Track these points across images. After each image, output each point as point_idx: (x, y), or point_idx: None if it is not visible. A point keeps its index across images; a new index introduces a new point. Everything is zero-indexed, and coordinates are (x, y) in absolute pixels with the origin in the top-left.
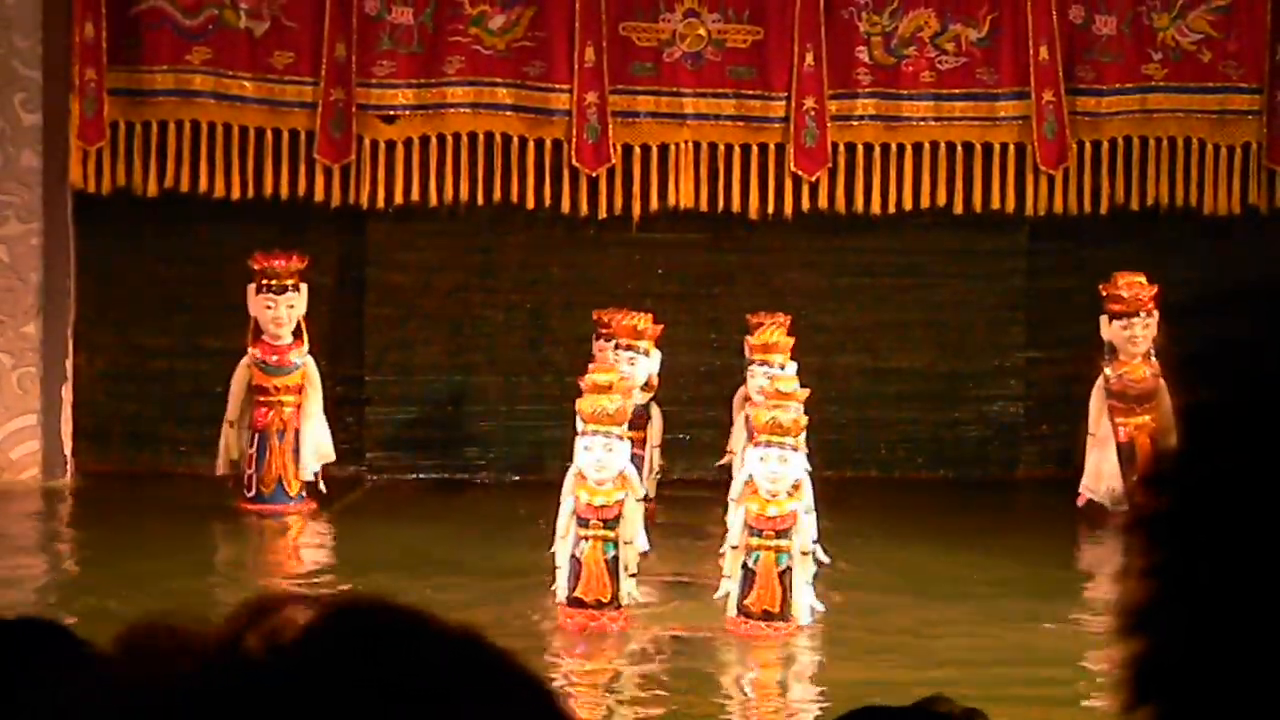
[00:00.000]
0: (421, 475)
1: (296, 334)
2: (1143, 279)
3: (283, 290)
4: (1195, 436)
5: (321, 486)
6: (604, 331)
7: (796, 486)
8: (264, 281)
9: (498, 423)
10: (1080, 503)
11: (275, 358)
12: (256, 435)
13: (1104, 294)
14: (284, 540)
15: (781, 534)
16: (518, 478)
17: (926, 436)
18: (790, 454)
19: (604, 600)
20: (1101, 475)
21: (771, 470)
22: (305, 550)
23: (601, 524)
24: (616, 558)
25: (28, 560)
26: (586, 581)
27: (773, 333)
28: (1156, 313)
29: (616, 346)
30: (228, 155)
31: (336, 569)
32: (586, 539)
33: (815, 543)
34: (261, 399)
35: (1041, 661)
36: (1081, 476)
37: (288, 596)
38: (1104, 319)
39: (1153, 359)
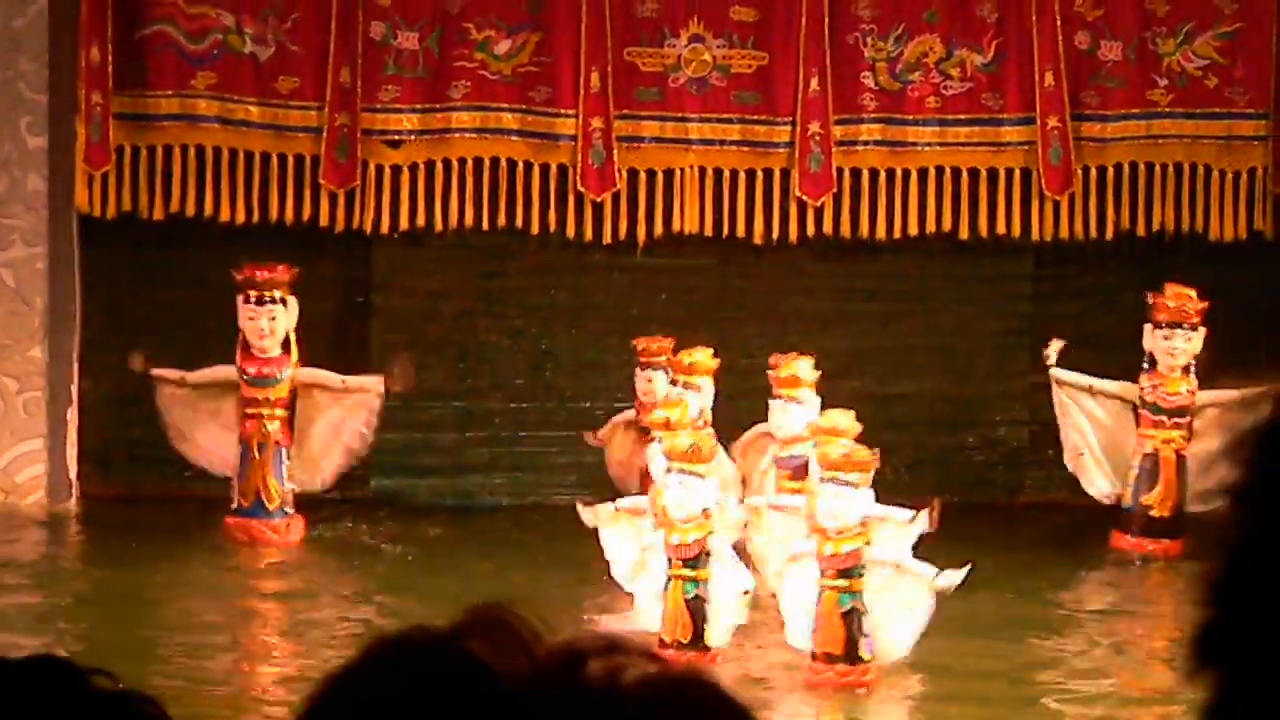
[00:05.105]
0: (425, 500)
1: (286, 347)
2: (1192, 293)
3: (263, 301)
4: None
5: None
6: (647, 361)
7: (864, 525)
8: (248, 292)
9: (503, 448)
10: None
11: (259, 369)
12: (240, 446)
13: (1150, 302)
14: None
15: (843, 573)
16: (522, 503)
17: (932, 461)
18: (853, 491)
19: (684, 641)
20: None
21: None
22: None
23: (682, 563)
24: (698, 598)
25: (31, 584)
26: (664, 621)
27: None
28: (1202, 328)
29: (672, 382)
30: (233, 180)
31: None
32: (670, 579)
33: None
34: (248, 410)
35: (1053, 691)
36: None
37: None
38: (1148, 327)
39: (1192, 375)
